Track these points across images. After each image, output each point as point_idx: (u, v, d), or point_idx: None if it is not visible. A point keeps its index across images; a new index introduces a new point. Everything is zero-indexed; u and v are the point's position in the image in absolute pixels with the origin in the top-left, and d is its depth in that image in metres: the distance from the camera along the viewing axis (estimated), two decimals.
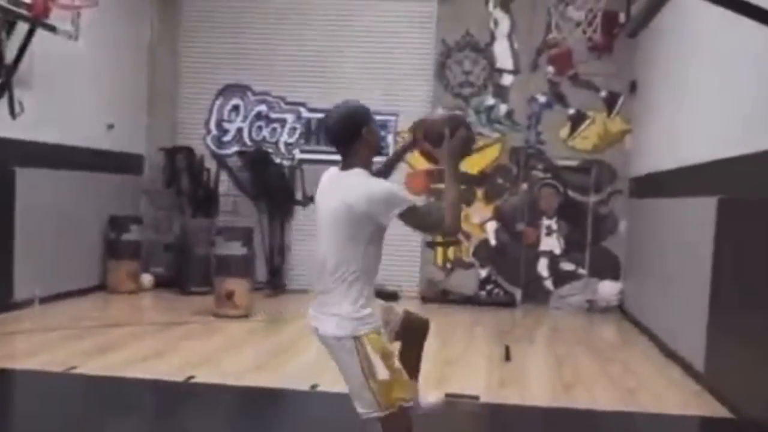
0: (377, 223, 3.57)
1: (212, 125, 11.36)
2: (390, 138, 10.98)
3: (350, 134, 3.69)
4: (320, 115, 11.11)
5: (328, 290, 3.73)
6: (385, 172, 4.18)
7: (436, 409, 4.47)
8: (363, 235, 3.66)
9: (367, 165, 3.67)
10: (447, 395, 5.47)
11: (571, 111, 10.72)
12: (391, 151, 10.54)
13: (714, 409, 5.71)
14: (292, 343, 7.72)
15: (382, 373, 3.65)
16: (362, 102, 3.73)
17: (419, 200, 3.30)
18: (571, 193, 10.76)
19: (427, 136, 3.80)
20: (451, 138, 3.71)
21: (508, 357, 7.26)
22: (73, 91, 9.40)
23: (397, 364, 3.71)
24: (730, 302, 5.79)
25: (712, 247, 6.19)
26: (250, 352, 7.09)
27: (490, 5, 10.74)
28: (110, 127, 10.24)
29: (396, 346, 3.95)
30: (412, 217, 3.59)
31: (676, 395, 6.14)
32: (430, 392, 4.47)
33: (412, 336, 4.19)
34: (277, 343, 7.68)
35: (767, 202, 5.13)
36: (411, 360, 4.18)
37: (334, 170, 3.79)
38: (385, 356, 3.68)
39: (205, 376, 6.02)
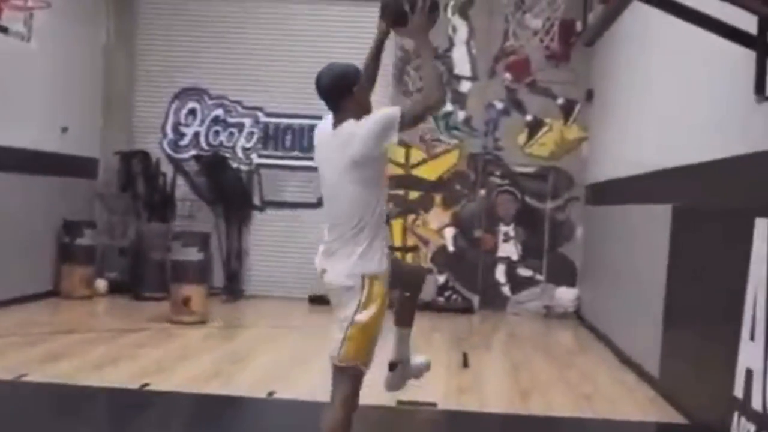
0: (386, 146, 3.85)
1: (168, 129, 11.23)
2: None
3: (342, 92, 3.93)
4: (278, 120, 11.08)
5: (341, 240, 3.89)
6: (368, 70, 4.28)
7: (423, 370, 4.62)
8: (374, 178, 3.90)
9: (358, 117, 3.87)
10: (403, 402, 5.48)
11: (529, 118, 10.80)
12: None
13: (669, 414, 5.77)
14: (249, 350, 7.66)
15: (365, 315, 3.81)
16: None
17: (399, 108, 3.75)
18: (528, 199, 10.83)
19: (393, 20, 3.96)
20: (413, 14, 3.85)
21: (465, 363, 7.27)
22: (26, 93, 9.23)
23: (378, 329, 3.86)
24: (685, 309, 5.86)
25: (667, 254, 6.26)
26: (207, 359, 7.01)
27: (449, 12, 10.78)
28: (64, 130, 10.07)
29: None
30: (406, 122, 3.82)
31: (632, 401, 6.19)
32: (417, 355, 4.64)
33: (404, 286, 4.34)
34: (234, 349, 7.61)
35: (721, 210, 5.20)
36: (406, 308, 4.40)
37: (327, 124, 4.01)
38: (381, 307, 3.83)
39: (160, 383, 5.93)
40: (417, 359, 4.62)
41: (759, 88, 4.38)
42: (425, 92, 3.90)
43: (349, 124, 3.87)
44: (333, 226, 3.96)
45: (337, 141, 3.89)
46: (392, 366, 4.54)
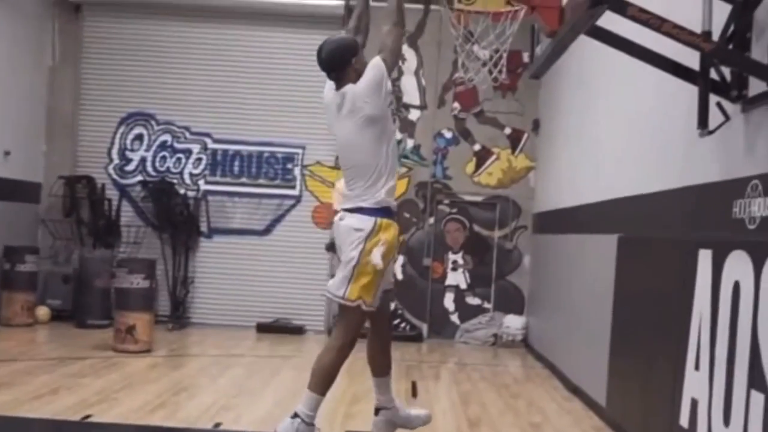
0: (388, 96, 4.53)
1: (114, 154, 11.09)
2: (297, 171, 10.93)
3: (342, 65, 4.54)
4: (226, 146, 11.00)
5: (358, 189, 4.52)
6: (358, 28, 4.91)
7: (416, 422, 4.99)
8: (383, 132, 4.51)
9: (355, 81, 4.51)
10: None
11: (477, 147, 10.90)
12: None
13: None
14: (195, 380, 7.54)
15: (372, 258, 4.38)
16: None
17: (381, 56, 4.58)
18: (476, 227, 10.90)
19: None
20: None
21: (414, 393, 7.25)
22: None
23: (381, 271, 4.44)
24: (631, 338, 5.92)
25: (613, 283, 6.33)
26: (152, 389, 6.86)
27: None
28: (6, 154, 9.88)
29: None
30: (390, 62, 4.51)
31: (580, 430, 6.22)
32: (416, 408, 5.18)
33: (375, 332, 4.85)
34: (180, 379, 7.48)
35: (665, 240, 5.28)
36: (382, 360, 4.88)
37: (330, 88, 4.65)
38: (387, 251, 4.44)
39: (102, 415, 5.79)
40: (415, 411, 5.02)
41: (702, 122, 4.47)
42: (390, 21, 4.55)
43: (350, 88, 4.49)
44: (351, 179, 4.58)
45: (344, 104, 4.51)
46: (377, 411, 4.80)
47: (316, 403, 4.53)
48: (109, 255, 10.23)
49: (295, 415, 4.50)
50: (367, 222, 4.44)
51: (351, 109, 4.48)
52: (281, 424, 4.53)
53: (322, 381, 4.52)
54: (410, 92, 10.94)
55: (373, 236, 4.41)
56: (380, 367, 4.86)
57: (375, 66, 4.47)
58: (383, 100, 4.48)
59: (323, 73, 4.81)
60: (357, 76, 4.51)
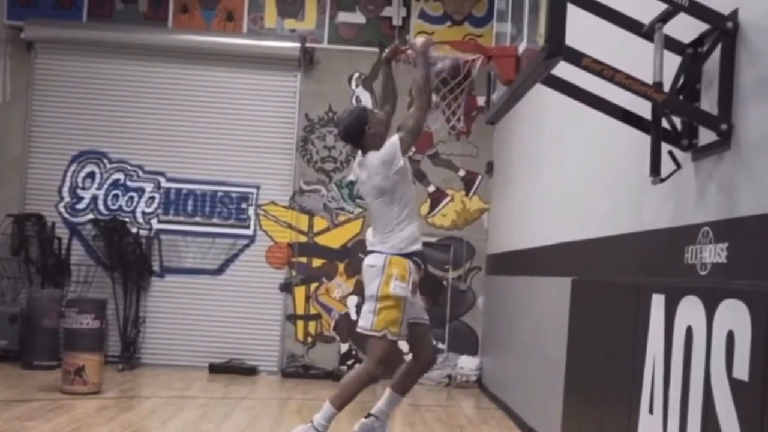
0: (401, 170, 5.18)
1: (65, 192, 10.95)
2: (251, 211, 10.89)
3: (358, 135, 5.28)
4: (180, 185, 10.94)
5: (376, 237, 5.31)
6: (385, 98, 5.53)
7: None
8: (398, 194, 5.23)
9: (378, 147, 5.22)
10: None
11: (431, 189, 11.00)
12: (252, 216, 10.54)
13: None
14: (145, 422, 7.42)
15: (401, 289, 5.10)
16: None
17: (406, 129, 5.32)
18: (430, 268, 10.94)
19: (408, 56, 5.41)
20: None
21: None
22: None
23: (402, 301, 5.16)
24: (585, 380, 5.98)
25: (566, 326, 6.39)
26: None
27: (353, 83, 10.95)
28: None
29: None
30: (408, 141, 5.17)
31: None
32: None
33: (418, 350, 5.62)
34: (130, 422, 7.35)
35: (619, 284, 5.37)
36: (407, 380, 5.55)
37: (359, 155, 5.44)
38: (403, 280, 5.16)
39: None
40: None
41: (654, 170, 4.58)
42: (416, 102, 5.14)
43: (370, 157, 5.22)
44: (374, 229, 5.37)
45: (364, 172, 5.30)
46: (368, 415, 5.53)
47: (331, 415, 5.21)
48: (58, 294, 10.05)
49: (311, 422, 5.21)
50: (379, 259, 5.13)
51: (368, 174, 5.27)
52: (297, 429, 5.28)
53: (342, 398, 5.20)
54: None
55: (386, 270, 5.07)
56: (400, 385, 5.51)
57: (392, 144, 5.11)
58: (392, 173, 5.13)
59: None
60: (379, 139, 5.22)
